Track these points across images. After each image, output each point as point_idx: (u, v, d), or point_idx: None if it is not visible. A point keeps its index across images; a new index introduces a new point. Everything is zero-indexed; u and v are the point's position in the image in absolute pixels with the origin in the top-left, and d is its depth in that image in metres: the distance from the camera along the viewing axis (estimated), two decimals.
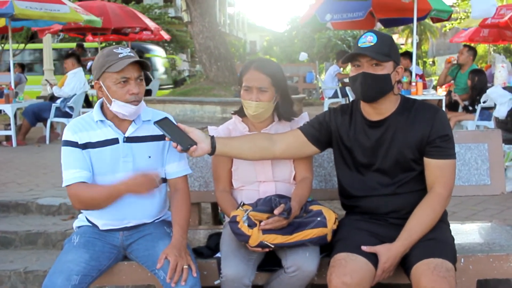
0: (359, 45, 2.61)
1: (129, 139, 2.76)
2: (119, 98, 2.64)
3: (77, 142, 2.71)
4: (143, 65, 2.69)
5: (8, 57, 10.41)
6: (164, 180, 2.88)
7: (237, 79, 3.09)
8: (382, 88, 2.62)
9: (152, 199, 2.81)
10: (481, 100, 7.55)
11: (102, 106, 2.80)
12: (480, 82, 8.09)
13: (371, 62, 2.58)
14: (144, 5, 22.29)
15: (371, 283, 2.52)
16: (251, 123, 2.99)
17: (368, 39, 2.60)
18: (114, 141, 2.74)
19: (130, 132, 2.76)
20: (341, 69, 12.66)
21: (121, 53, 2.63)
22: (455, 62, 8.89)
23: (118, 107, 2.66)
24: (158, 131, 2.68)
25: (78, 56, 9.98)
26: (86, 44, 18.64)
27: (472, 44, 12.37)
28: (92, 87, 11.47)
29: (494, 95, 7.06)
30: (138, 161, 2.76)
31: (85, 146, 2.71)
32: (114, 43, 17.91)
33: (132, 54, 2.67)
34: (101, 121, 2.75)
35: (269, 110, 2.90)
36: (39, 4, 9.04)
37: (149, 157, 2.78)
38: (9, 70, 10.21)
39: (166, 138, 2.64)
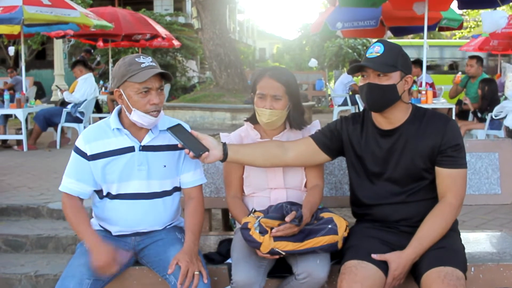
0: (367, 55, 2.64)
1: (145, 148, 2.77)
2: (139, 108, 2.65)
3: (86, 153, 2.74)
4: (164, 76, 2.70)
5: None
6: (177, 188, 2.90)
7: (247, 86, 3.11)
8: (388, 98, 2.63)
9: (164, 207, 2.84)
10: (494, 113, 7.48)
11: (119, 114, 2.82)
12: (490, 91, 8.07)
13: (376, 72, 2.60)
14: (155, 12, 22.38)
15: None
16: (263, 130, 3.00)
17: (375, 50, 2.62)
18: (130, 149, 2.76)
19: (147, 141, 2.78)
20: (353, 78, 12.67)
21: (143, 62, 2.64)
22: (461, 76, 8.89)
23: (138, 117, 2.67)
24: (174, 141, 2.69)
25: (85, 62, 10.04)
26: (99, 50, 18.80)
27: (481, 54, 12.34)
28: (109, 93, 11.52)
29: (510, 105, 7.03)
30: (153, 170, 2.78)
31: (95, 157, 2.74)
32: (124, 50, 18.06)
33: (154, 64, 2.68)
34: (118, 129, 2.77)
35: (282, 118, 2.92)
36: (49, 9, 9.11)
37: (164, 166, 2.80)
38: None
39: (179, 145, 2.67)
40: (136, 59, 2.66)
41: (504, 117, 7.21)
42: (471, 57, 9.01)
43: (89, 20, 10.14)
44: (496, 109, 7.45)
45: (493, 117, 7.51)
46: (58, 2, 9.47)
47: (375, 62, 2.59)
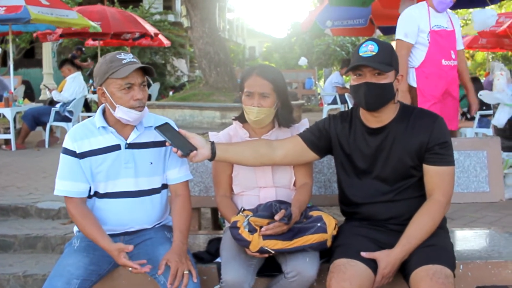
0: (360, 54, 2.62)
1: (131, 145, 2.76)
2: (123, 104, 2.64)
3: (75, 152, 2.72)
4: (146, 71, 2.70)
5: None
6: (165, 185, 2.90)
7: (237, 85, 3.11)
8: (386, 97, 2.64)
9: (152, 204, 2.83)
10: (492, 102, 7.46)
11: (104, 112, 2.80)
12: (474, 90, 8.07)
13: (373, 71, 2.59)
14: (143, 9, 22.28)
15: None
16: (251, 129, 3.00)
17: (369, 48, 2.61)
18: (116, 147, 2.75)
19: (132, 138, 2.77)
20: (343, 76, 12.70)
21: (125, 59, 2.64)
22: None
23: (122, 113, 2.66)
24: (160, 137, 2.69)
25: (72, 61, 10.00)
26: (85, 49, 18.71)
27: (471, 51, 12.42)
28: (94, 92, 11.50)
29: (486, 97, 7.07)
30: (140, 167, 2.77)
31: (84, 155, 2.72)
32: (113, 49, 17.99)
33: (135, 59, 2.67)
34: (103, 127, 2.75)
35: (270, 116, 2.91)
36: (50, 10, 9.20)
37: (151, 163, 2.79)
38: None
39: (167, 143, 2.66)
40: (117, 55, 2.65)
41: (492, 115, 7.23)
42: None
43: (87, 21, 10.15)
44: (489, 100, 7.42)
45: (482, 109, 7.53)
46: (55, 2, 9.53)
47: (374, 61, 2.58)
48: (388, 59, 2.61)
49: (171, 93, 18.17)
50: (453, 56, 4.95)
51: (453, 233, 3.39)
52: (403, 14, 5.06)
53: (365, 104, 2.67)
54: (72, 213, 2.73)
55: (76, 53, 14.82)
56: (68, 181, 2.72)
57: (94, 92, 12.26)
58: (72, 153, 2.73)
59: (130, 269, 2.57)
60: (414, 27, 4.90)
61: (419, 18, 4.90)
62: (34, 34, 13.19)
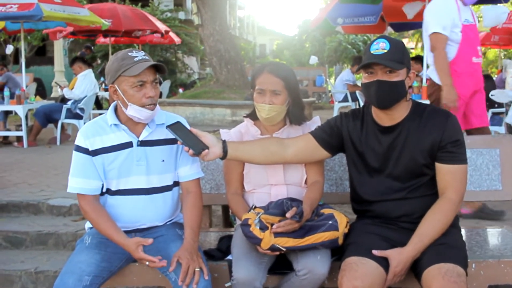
0: (371, 52, 2.61)
1: (143, 143, 2.77)
2: (135, 102, 2.64)
3: (87, 149, 2.73)
4: (158, 68, 2.70)
5: None
6: (176, 183, 2.90)
7: (247, 82, 3.10)
8: (397, 95, 2.62)
9: (164, 201, 2.84)
10: (505, 101, 7.42)
11: (115, 110, 2.81)
12: (486, 87, 8.03)
13: (385, 69, 2.58)
14: (154, 7, 22.34)
15: (381, 287, 2.51)
16: (263, 126, 3.00)
17: (381, 46, 2.60)
18: (128, 144, 2.75)
19: (144, 136, 2.77)
20: (354, 74, 12.67)
21: (136, 56, 2.64)
22: None
23: (134, 111, 2.67)
24: (171, 135, 2.69)
25: (83, 58, 10.04)
26: (98, 47, 18.79)
27: (483, 49, 12.34)
28: (105, 90, 11.54)
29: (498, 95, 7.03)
30: (152, 164, 2.77)
31: (96, 152, 2.73)
32: (124, 46, 18.05)
33: (147, 57, 2.68)
34: (115, 125, 2.76)
35: (282, 114, 2.91)
36: (62, 7, 9.24)
37: (163, 160, 2.80)
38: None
39: (178, 142, 2.67)
40: (129, 53, 2.66)
41: (504, 112, 7.19)
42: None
43: (99, 18, 10.17)
44: (502, 98, 7.36)
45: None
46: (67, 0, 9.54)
47: (385, 58, 2.57)
48: (399, 56, 2.60)
49: (180, 90, 18.20)
50: (480, 53, 4.72)
51: (466, 231, 3.37)
52: (434, 6, 4.70)
53: (377, 102, 2.66)
54: (86, 210, 2.74)
55: (86, 52, 14.86)
56: (81, 179, 2.73)
57: (105, 90, 12.29)
58: (85, 151, 2.73)
59: (148, 263, 2.57)
60: (449, 20, 4.55)
61: (452, 11, 4.59)
62: (44, 31, 13.22)
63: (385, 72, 2.58)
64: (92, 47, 16.76)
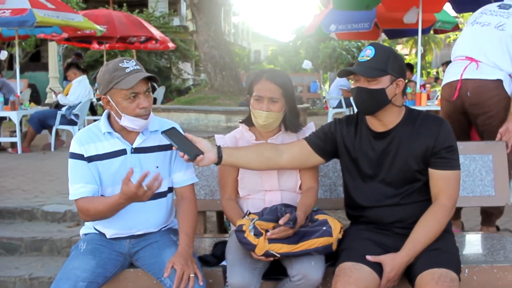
0: (358, 59, 2.66)
1: (136, 150, 2.77)
2: (129, 113, 2.64)
3: (82, 155, 2.72)
4: (150, 77, 2.69)
5: None
6: (171, 189, 2.90)
7: (242, 89, 3.11)
8: (377, 102, 2.64)
9: (159, 208, 2.84)
10: None
11: (108, 117, 2.81)
12: None
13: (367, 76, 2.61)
14: (148, 13, 22.34)
15: None
16: (258, 132, 3.01)
17: (366, 53, 2.64)
18: (122, 152, 2.75)
19: (138, 143, 2.77)
20: (350, 81, 12.72)
21: (128, 67, 2.61)
22: None
23: (128, 122, 2.67)
24: (165, 141, 2.70)
25: (77, 65, 10.05)
26: (91, 52, 18.76)
27: None
28: (98, 99, 11.53)
29: None
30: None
31: (91, 159, 2.73)
32: (120, 52, 18.05)
33: (138, 67, 2.66)
34: (109, 133, 2.76)
35: (278, 120, 2.92)
36: (55, 13, 9.25)
37: (157, 167, 2.79)
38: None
39: (173, 148, 2.67)
40: (120, 64, 2.63)
41: None
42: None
43: (93, 24, 10.16)
44: None
45: None
46: (60, 6, 9.61)
47: (364, 66, 2.61)
48: (382, 64, 2.61)
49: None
50: None
51: (459, 237, 3.39)
52: None
53: (357, 108, 2.73)
54: (87, 208, 2.66)
55: (76, 58, 14.83)
56: (81, 184, 2.70)
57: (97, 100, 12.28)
58: (80, 157, 2.73)
59: (145, 186, 2.47)
60: None
61: None
62: (38, 35, 13.18)
63: (366, 79, 2.61)
64: (83, 54, 16.71)
